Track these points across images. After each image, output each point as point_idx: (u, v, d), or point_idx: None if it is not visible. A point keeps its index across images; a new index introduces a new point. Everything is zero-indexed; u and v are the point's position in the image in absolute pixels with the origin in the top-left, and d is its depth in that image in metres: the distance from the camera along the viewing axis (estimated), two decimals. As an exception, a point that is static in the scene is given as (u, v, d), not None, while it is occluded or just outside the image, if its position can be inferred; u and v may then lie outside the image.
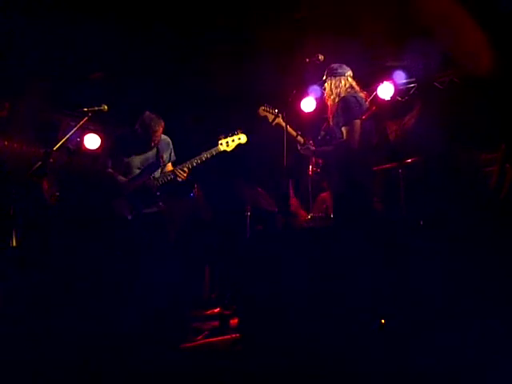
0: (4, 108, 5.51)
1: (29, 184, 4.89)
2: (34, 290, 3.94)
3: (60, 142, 3.99)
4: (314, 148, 3.97)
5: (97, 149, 6.12)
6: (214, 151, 4.35)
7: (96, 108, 4.08)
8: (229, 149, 4.39)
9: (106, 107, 4.10)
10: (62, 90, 5.60)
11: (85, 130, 6.03)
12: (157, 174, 4.44)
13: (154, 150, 4.44)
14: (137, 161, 4.40)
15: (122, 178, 4.35)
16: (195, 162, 4.33)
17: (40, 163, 3.89)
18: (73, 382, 2.94)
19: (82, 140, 6.09)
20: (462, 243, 3.67)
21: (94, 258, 4.36)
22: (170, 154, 4.56)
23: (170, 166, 4.53)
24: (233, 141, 4.38)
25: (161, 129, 4.38)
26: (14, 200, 4.80)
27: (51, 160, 3.97)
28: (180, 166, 4.35)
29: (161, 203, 4.44)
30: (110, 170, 4.39)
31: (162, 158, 4.46)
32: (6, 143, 5.61)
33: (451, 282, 3.41)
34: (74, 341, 3.45)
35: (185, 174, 4.35)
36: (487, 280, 3.17)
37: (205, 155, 4.33)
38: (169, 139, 4.59)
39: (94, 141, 6.14)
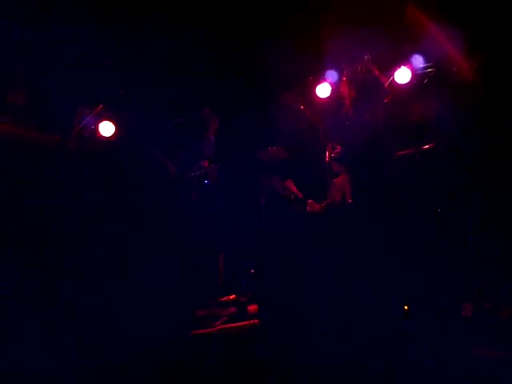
0: (21, 96, 5.48)
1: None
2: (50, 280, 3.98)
3: (75, 130, 3.99)
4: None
5: (111, 136, 6.10)
6: None
7: (110, 95, 4.08)
8: None
9: (120, 94, 4.10)
10: (76, 76, 5.57)
11: (99, 117, 6.01)
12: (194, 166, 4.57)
13: (202, 145, 4.55)
14: (183, 152, 4.52)
15: (170, 165, 4.45)
16: None
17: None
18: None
19: (97, 127, 6.07)
20: (483, 229, 3.62)
21: (107, 247, 4.41)
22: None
23: None
24: None
25: (214, 126, 4.52)
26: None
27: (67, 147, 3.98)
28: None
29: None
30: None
31: (204, 154, 4.58)
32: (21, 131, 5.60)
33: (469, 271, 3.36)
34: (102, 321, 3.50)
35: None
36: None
37: None
38: None
39: (108, 128, 6.12)
